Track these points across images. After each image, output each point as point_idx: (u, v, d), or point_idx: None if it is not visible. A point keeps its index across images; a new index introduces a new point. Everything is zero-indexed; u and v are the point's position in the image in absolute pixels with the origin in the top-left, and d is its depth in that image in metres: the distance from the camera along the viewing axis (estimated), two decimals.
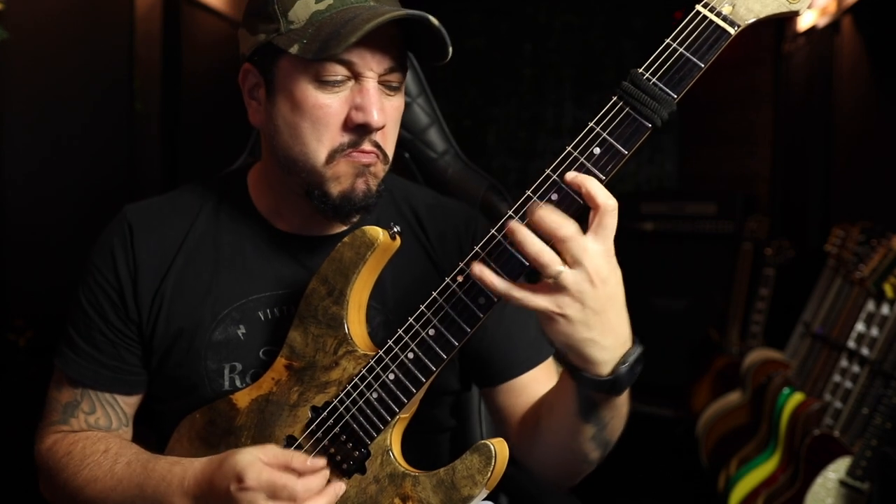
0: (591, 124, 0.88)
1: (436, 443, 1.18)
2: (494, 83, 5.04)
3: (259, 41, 1.00)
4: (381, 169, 1.04)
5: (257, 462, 0.90)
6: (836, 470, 2.21)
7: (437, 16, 0.97)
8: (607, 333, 0.86)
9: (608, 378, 0.88)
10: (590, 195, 0.83)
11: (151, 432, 1.18)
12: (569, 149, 0.89)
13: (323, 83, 0.97)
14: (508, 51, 5.01)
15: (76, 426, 1.11)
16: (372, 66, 0.97)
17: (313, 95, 0.97)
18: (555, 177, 0.88)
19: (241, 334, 1.07)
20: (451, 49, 0.99)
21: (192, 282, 1.09)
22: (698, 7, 0.88)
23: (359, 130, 0.98)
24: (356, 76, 0.97)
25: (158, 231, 1.11)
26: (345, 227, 1.12)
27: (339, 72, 0.96)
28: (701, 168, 4.60)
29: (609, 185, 0.87)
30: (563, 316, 0.83)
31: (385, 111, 1.00)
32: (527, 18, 4.97)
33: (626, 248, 4.67)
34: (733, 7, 0.87)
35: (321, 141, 0.98)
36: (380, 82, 0.99)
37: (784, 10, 0.89)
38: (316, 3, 0.95)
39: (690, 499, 3.20)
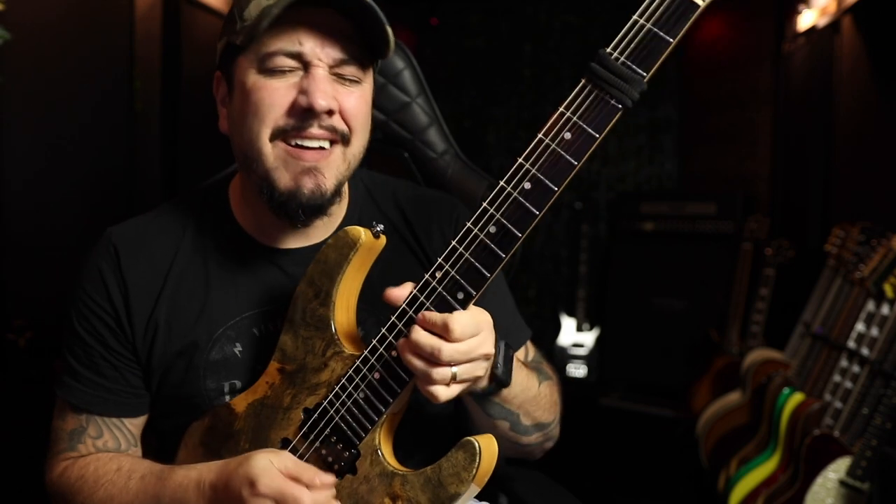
0: (560, 109, 0.87)
1: (436, 423, 1.18)
2: (494, 83, 5.04)
3: (223, 46, 1.03)
4: (338, 165, 1.03)
5: (271, 469, 0.91)
6: (836, 470, 2.21)
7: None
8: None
9: (490, 387, 0.99)
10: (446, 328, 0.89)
11: (152, 436, 1.18)
12: (540, 135, 0.88)
13: (270, 72, 0.98)
14: (508, 51, 5.01)
15: (84, 451, 1.09)
16: (320, 56, 0.97)
17: (261, 82, 0.98)
18: (527, 165, 0.88)
19: (237, 352, 1.07)
20: (389, 34, 0.99)
21: (185, 304, 1.08)
22: None
23: (304, 115, 0.98)
24: (305, 66, 0.98)
25: (145, 253, 1.10)
26: (327, 237, 1.11)
27: (285, 62, 0.97)
28: (701, 168, 4.59)
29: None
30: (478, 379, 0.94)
31: (341, 101, 1.00)
32: (527, 18, 4.97)
33: (627, 248, 4.68)
34: None
35: (264, 122, 0.99)
36: (334, 73, 0.99)
37: None
38: (266, 0, 0.95)
39: (690, 499, 3.20)
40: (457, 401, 1.24)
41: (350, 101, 1.01)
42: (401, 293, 0.92)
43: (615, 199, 4.57)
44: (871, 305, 2.39)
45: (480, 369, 0.91)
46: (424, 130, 1.50)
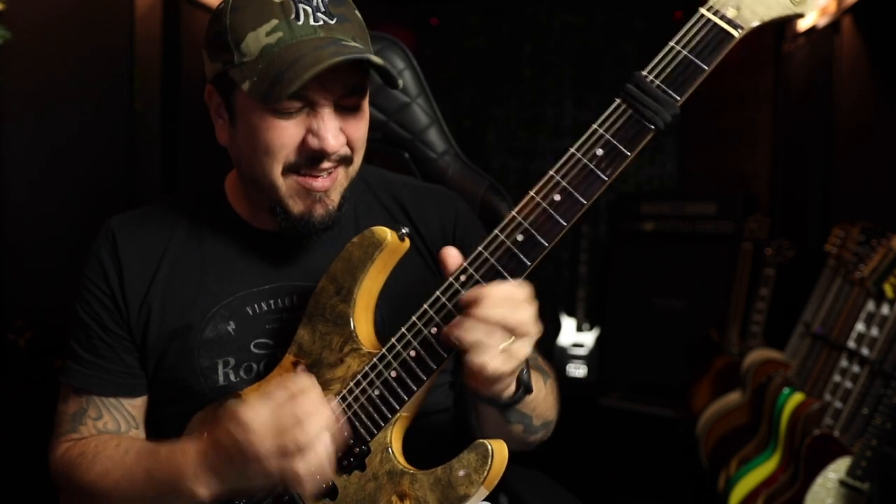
0: (594, 126, 0.89)
1: (437, 421, 1.18)
2: (494, 83, 5.04)
3: (217, 69, 1.03)
4: (342, 183, 1.06)
5: (256, 404, 0.89)
6: (836, 470, 2.21)
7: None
8: None
9: (517, 394, 0.97)
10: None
11: (153, 434, 1.18)
12: (571, 150, 0.90)
13: (277, 112, 0.99)
14: (508, 51, 5.01)
15: (86, 432, 1.12)
16: (325, 95, 0.99)
17: (269, 122, 0.99)
18: (558, 178, 0.89)
19: (231, 330, 1.10)
20: (400, 82, 1.02)
21: (180, 286, 1.11)
22: (702, 10, 0.88)
23: (315, 155, 1.01)
24: (311, 104, 0.99)
25: (141, 238, 1.14)
26: None
27: (293, 105, 0.98)
28: (701, 168, 4.60)
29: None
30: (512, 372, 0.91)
31: (346, 131, 1.02)
32: (527, 18, 4.97)
33: (627, 248, 4.69)
34: (738, 10, 0.87)
35: (276, 159, 1.01)
36: (338, 105, 1.01)
37: (789, 12, 0.89)
38: (266, 36, 0.96)
39: (690, 499, 3.20)
40: (458, 399, 1.26)
41: (355, 130, 1.04)
42: (457, 258, 0.92)
43: (615, 200, 4.57)
44: (871, 305, 2.40)
45: (527, 347, 0.90)
46: (424, 131, 1.50)
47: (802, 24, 3.66)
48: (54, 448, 1.13)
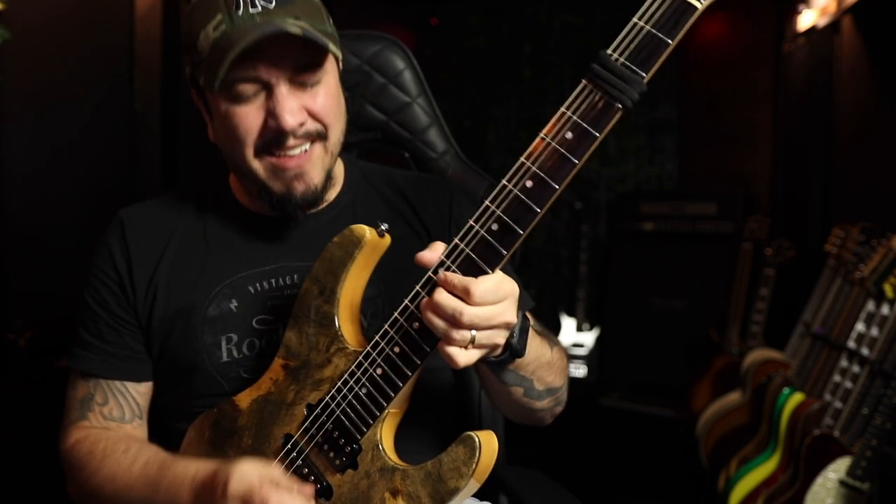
0: (562, 109, 0.88)
1: (436, 419, 1.19)
2: (494, 83, 5.04)
3: (189, 72, 1.08)
4: (321, 159, 1.09)
5: (249, 473, 0.93)
6: (836, 470, 2.21)
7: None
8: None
9: (504, 355, 0.96)
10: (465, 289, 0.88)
11: (158, 433, 1.19)
12: (541, 135, 0.89)
13: (237, 99, 1.03)
14: (508, 51, 5.01)
15: (94, 420, 1.15)
16: (276, 74, 1.02)
17: (231, 110, 1.04)
18: (528, 164, 0.89)
19: (233, 307, 1.13)
20: (334, 49, 1.03)
21: (184, 268, 1.15)
22: None
23: (277, 135, 1.04)
24: (265, 85, 1.02)
25: (149, 225, 1.18)
26: (321, 207, 1.17)
27: (247, 88, 1.02)
28: (701, 168, 4.60)
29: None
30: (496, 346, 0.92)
31: (309, 107, 1.05)
32: (527, 18, 4.97)
33: (626, 248, 4.68)
34: None
35: (246, 144, 1.06)
36: (293, 82, 1.03)
37: None
38: (213, 31, 1.00)
39: (690, 499, 3.20)
40: (460, 391, 1.26)
41: (316, 102, 1.06)
42: (432, 256, 0.92)
43: (615, 200, 4.56)
44: (871, 305, 2.40)
45: (500, 337, 0.91)
46: (425, 131, 1.50)
47: (802, 24, 3.66)
48: (65, 436, 1.15)
